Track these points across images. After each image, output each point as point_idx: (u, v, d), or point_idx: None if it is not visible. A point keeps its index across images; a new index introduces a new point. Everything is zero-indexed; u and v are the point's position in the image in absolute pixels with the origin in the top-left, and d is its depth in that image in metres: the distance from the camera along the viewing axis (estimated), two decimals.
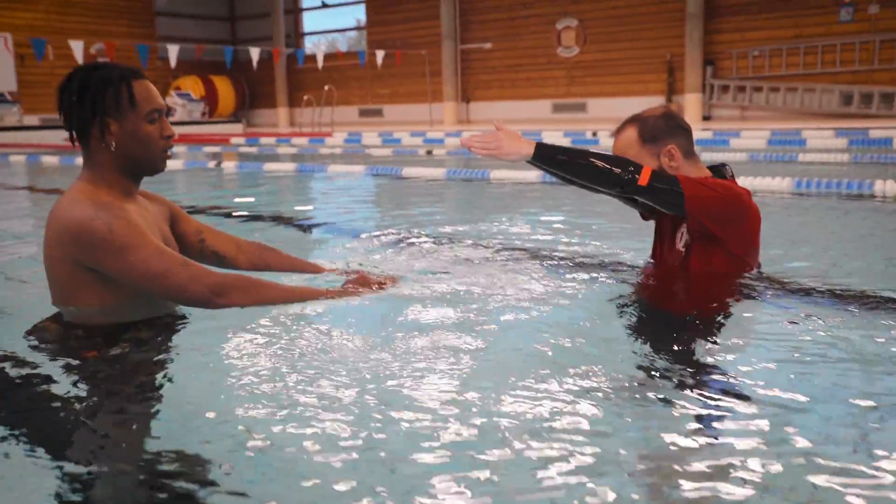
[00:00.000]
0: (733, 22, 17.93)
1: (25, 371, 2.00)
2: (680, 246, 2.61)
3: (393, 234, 3.98)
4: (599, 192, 2.60)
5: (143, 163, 2.24)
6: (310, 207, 6.22)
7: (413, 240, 3.73)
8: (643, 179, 2.41)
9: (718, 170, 2.61)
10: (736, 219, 2.50)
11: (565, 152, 2.51)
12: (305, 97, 20.25)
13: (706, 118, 17.98)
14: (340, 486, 1.37)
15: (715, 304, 2.44)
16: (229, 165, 9.60)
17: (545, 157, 2.49)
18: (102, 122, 2.17)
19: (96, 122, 2.17)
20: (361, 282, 2.52)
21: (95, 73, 2.19)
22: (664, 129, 2.55)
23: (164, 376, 1.95)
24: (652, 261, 2.82)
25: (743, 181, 5.63)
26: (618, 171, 2.44)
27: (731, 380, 1.84)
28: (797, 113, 17.02)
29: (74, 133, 2.23)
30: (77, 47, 15.56)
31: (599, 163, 2.46)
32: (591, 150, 2.53)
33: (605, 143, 11.48)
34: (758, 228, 2.60)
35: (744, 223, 2.53)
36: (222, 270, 2.32)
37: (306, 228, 4.71)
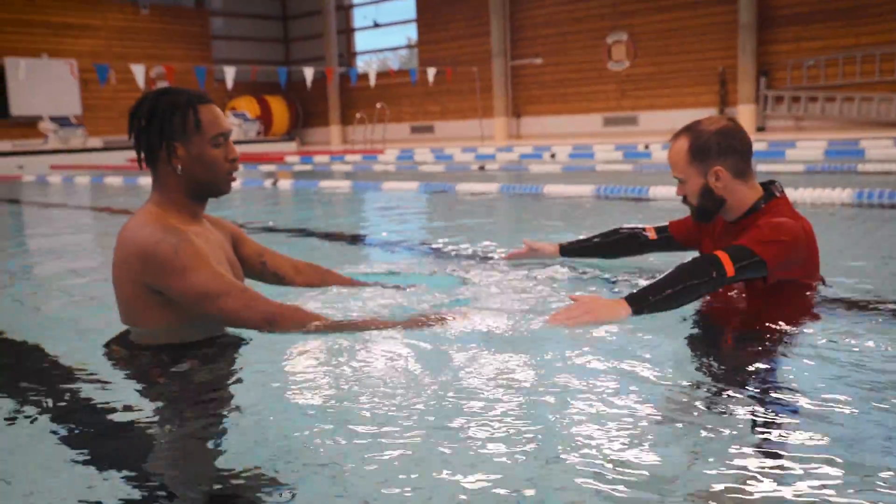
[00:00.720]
0: (787, 32, 17.68)
1: (94, 390, 2.06)
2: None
3: (449, 249, 4.03)
4: None
5: (209, 185, 2.31)
6: (366, 224, 6.32)
7: (470, 255, 3.78)
8: (729, 271, 2.36)
9: (767, 187, 2.58)
10: (800, 256, 2.48)
11: (656, 291, 2.39)
12: (358, 115, 20.56)
13: (760, 129, 17.72)
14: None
15: (777, 321, 2.41)
16: (285, 183, 9.79)
17: (642, 308, 2.38)
18: (170, 145, 2.23)
19: (164, 146, 2.24)
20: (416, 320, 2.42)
21: (163, 98, 2.25)
22: (715, 148, 2.49)
23: (228, 395, 2.00)
24: None
25: (801, 193, 5.56)
26: (706, 279, 2.37)
27: (795, 397, 1.83)
28: (854, 123, 16.67)
29: (143, 156, 2.30)
30: (138, 71, 16.07)
31: (689, 283, 2.39)
32: (673, 273, 2.43)
33: (658, 156, 11.39)
34: (816, 248, 2.57)
35: (807, 254, 2.52)
36: (277, 299, 2.34)
37: (362, 245, 4.79)
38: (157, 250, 2.13)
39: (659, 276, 2.45)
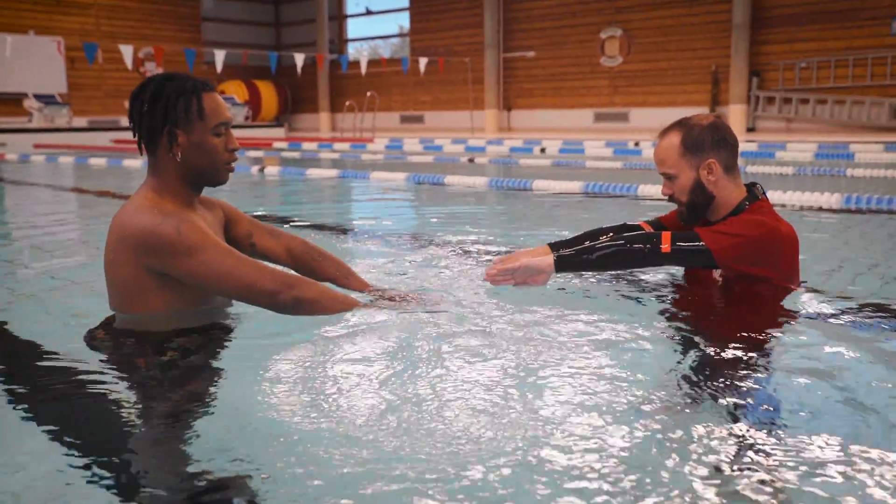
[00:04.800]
0: (781, 33, 17.69)
1: (77, 376, 2.04)
2: (717, 275, 2.58)
3: (436, 242, 3.98)
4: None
5: (207, 174, 2.30)
6: (352, 214, 6.26)
7: (456, 249, 3.73)
8: (665, 247, 2.42)
9: (749, 189, 2.56)
10: (770, 255, 2.45)
11: (583, 252, 2.50)
12: (347, 103, 20.41)
13: (750, 129, 17.75)
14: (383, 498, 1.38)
15: (755, 327, 2.37)
16: (272, 170, 9.71)
17: (566, 264, 2.50)
18: (171, 132, 2.22)
19: (165, 132, 2.22)
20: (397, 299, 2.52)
21: (168, 84, 2.23)
22: (708, 141, 2.50)
23: (211, 385, 1.98)
24: (689, 285, 2.78)
25: (790, 195, 5.54)
26: (639, 246, 2.44)
27: (773, 404, 1.80)
28: (844, 126, 16.73)
29: (142, 140, 2.27)
30: (126, 51, 15.88)
31: (618, 247, 2.46)
32: (604, 239, 2.53)
33: (648, 154, 11.38)
34: (795, 252, 2.54)
35: (779, 256, 2.48)
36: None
37: (348, 236, 4.73)
38: (158, 232, 2.12)
39: (596, 241, 2.55)
